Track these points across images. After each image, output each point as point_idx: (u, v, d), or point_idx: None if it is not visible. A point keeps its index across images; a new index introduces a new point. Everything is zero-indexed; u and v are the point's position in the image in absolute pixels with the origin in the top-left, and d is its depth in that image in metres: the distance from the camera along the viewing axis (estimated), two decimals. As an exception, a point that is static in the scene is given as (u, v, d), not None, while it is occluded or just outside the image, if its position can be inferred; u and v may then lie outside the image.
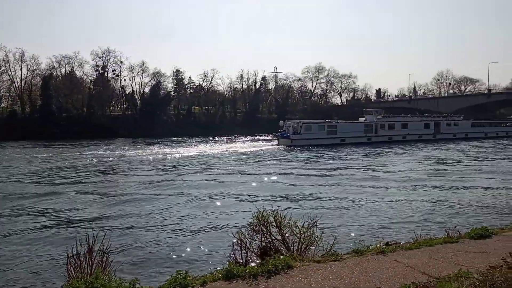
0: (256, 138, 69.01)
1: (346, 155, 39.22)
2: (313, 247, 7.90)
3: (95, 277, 6.03)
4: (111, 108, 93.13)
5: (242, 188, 19.88)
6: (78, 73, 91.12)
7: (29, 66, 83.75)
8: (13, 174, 26.09)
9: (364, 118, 61.26)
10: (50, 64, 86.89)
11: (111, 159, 35.28)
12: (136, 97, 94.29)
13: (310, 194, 18.51)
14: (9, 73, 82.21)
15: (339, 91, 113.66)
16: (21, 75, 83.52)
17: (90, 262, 6.83)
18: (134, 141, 61.67)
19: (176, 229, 11.77)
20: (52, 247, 10.29)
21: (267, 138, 68.10)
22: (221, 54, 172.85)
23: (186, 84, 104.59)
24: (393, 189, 19.88)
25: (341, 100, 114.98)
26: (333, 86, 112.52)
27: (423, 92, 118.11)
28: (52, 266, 8.90)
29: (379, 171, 27.12)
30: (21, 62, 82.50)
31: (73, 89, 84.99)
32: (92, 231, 7.05)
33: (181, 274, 6.22)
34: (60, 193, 18.77)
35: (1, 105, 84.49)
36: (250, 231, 8.20)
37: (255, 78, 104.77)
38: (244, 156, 37.84)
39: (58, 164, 31.93)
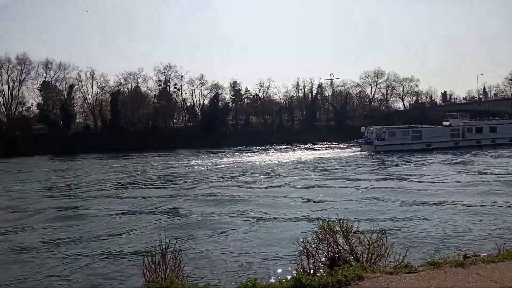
0: (317, 146, 68.35)
1: (432, 161, 37.63)
2: (384, 258, 7.60)
3: (170, 282, 6.31)
4: (174, 120, 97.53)
5: (313, 196, 19.62)
6: (142, 88, 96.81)
7: (99, 84, 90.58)
8: (94, 182, 28.24)
9: (448, 122, 59.12)
10: (117, 81, 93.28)
11: (178, 169, 36.56)
12: (197, 109, 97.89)
13: (386, 201, 17.83)
14: (82, 90, 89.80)
15: (401, 95, 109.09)
16: (92, 92, 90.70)
17: (164, 267, 7.14)
18: (196, 151, 63.82)
19: (244, 236, 11.93)
20: (129, 250, 10.95)
21: (326, 145, 67.21)
22: (277, 63, 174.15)
23: (243, 95, 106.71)
24: (474, 197, 18.56)
25: (404, 104, 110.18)
26: (394, 90, 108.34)
27: (494, 93, 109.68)
28: (129, 269, 9.46)
29: (462, 180, 25.01)
30: (92, 80, 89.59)
31: (139, 103, 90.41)
32: (165, 236, 7.37)
33: (250, 282, 6.29)
34: (135, 198, 19.87)
35: (76, 121, 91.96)
36: (316, 240, 8.10)
37: (311, 86, 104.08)
38: (315, 164, 37.39)
39: (131, 173, 33.88)
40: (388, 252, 7.59)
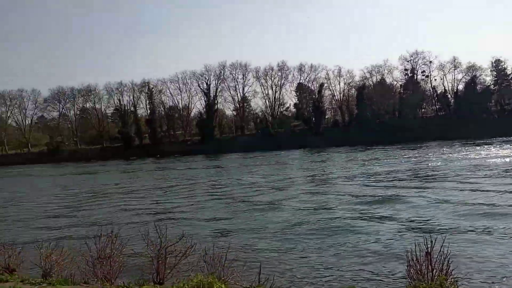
0: None
1: None
2: None
3: (440, 285, 5.88)
4: (422, 110, 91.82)
5: None
6: (388, 80, 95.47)
7: (345, 80, 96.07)
8: (348, 176, 28.95)
9: None
10: (362, 76, 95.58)
11: (434, 163, 33.35)
12: (449, 96, 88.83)
13: None
14: (330, 88, 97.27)
15: None
16: (339, 89, 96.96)
17: (430, 268, 6.74)
18: (451, 143, 57.63)
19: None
20: (391, 248, 10.80)
21: None
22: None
23: (510, 74, 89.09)
24: None
25: None
26: None
27: None
28: (391, 265, 9.36)
29: None
30: (339, 77, 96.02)
31: (384, 95, 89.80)
32: (430, 234, 6.91)
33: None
34: (396, 195, 19.15)
35: (326, 117, 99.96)
36: None
37: None
38: None
39: (383, 167, 33.09)
40: None
